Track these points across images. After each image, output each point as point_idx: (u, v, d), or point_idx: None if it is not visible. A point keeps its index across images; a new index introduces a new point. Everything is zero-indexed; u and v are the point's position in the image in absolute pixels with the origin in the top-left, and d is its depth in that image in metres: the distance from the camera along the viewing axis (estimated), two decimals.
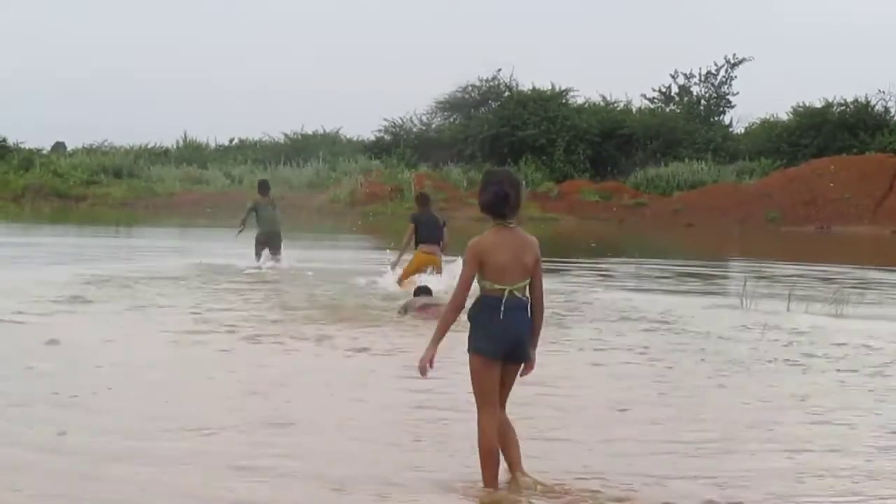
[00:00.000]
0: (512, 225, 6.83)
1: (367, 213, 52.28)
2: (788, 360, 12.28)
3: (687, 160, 60.67)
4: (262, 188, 24.28)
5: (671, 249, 37.01)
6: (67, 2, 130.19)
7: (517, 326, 6.71)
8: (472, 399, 6.78)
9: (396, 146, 66.53)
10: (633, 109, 68.93)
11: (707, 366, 11.78)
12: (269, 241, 23.35)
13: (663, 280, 23.47)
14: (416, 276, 18.79)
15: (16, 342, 11.89)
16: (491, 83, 66.90)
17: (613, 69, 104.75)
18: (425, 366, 6.73)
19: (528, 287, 6.80)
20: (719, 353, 12.62)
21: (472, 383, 6.80)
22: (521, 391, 7.34)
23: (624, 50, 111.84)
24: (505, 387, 6.85)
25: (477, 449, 6.78)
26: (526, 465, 6.92)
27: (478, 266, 6.74)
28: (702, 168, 59.84)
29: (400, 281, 19.16)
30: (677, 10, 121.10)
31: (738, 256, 34.10)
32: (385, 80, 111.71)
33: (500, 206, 6.79)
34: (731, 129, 68.62)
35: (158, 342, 12.27)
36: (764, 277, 23.47)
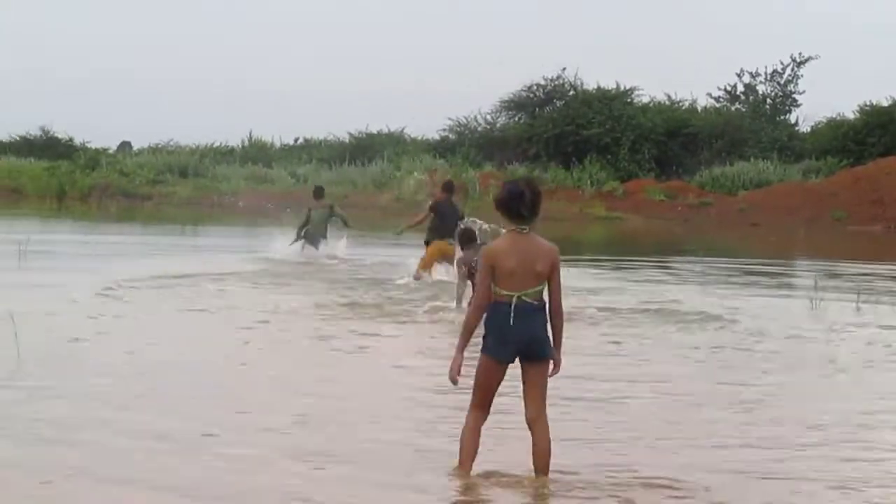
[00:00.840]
0: (526, 231, 6.96)
1: None
2: (873, 360, 12.44)
3: (752, 159, 60.33)
4: (316, 193, 26.00)
5: (737, 248, 37.01)
6: (133, 4, 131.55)
7: (529, 328, 6.91)
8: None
9: (461, 145, 66.60)
10: (699, 108, 68.62)
11: (803, 364, 11.99)
12: (310, 238, 25.04)
13: (732, 279, 23.53)
14: (435, 266, 19.11)
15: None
16: (556, 82, 66.79)
17: (679, 68, 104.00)
18: (455, 376, 6.97)
19: (543, 292, 6.99)
20: (802, 352, 12.83)
21: (474, 379, 7.08)
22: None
23: (689, 49, 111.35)
24: (535, 387, 7.06)
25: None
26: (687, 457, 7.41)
27: (491, 273, 6.93)
28: (767, 167, 59.50)
29: (418, 272, 19.40)
30: (743, 9, 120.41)
31: (805, 255, 34.05)
32: (450, 80, 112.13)
33: (515, 203, 6.92)
34: (796, 128, 68.14)
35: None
36: (833, 276, 23.53)
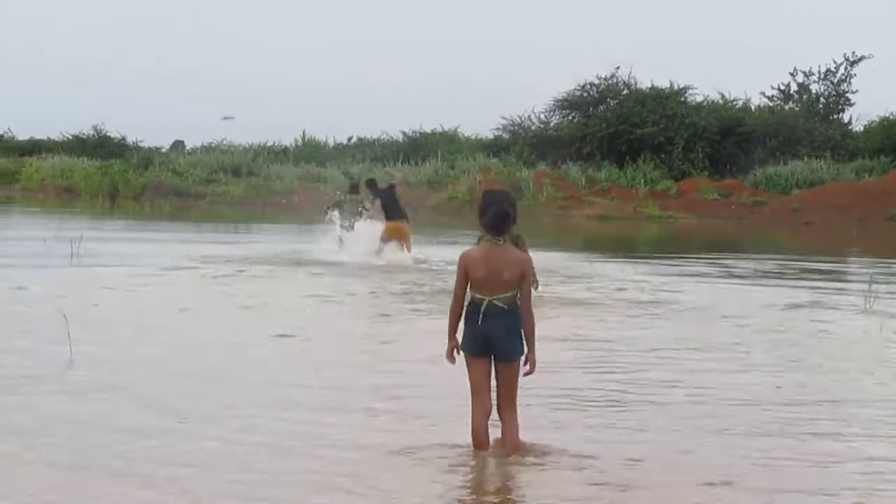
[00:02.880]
0: (500, 242, 7.71)
1: None
2: None
3: (806, 158, 60.35)
4: (352, 189, 27.82)
5: (792, 246, 37.16)
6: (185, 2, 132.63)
7: (494, 329, 7.65)
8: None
9: (514, 144, 66.82)
10: (752, 107, 68.60)
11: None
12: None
13: (791, 277, 23.76)
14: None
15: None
16: (609, 81, 66.91)
17: (732, 67, 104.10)
18: (451, 355, 7.84)
19: (516, 296, 7.70)
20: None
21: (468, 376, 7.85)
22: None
23: (743, 48, 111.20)
24: (503, 386, 7.82)
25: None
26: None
27: (465, 275, 7.75)
28: (821, 166, 59.43)
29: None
30: (796, 8, 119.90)
31: (859, 254, 34.17)
32: (504, 79, 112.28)
33: (500, 224, 7.68)
34: (850, 127, 67.99)
35: None
36: (889, 274, 23.76)
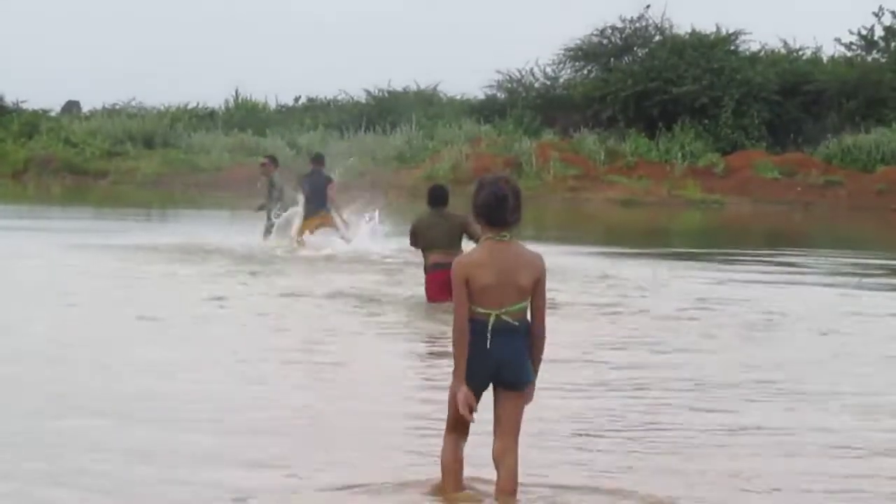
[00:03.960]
0: (507, 239, 7.65)
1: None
2: None
3: (895, 125, 60.15)
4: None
5: (878, 241, 36.89)
6: None
7: (504, 352, 7.59)
8: None
9: (513, 107, 66.66)
10: (824, 59, 68.42)
11: None
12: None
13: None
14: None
15: None
16: (637, 24, 66.76)
17: (798, 5, 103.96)
18: (467, 405, 7.65)
19: (527, 309, 7.68)
20: None
21: (448, 402, 7.84)
22: None
23: None
24: (508, 420, 7.77)
25: None
26: None
27: (465, 286, 7.59)
28: None
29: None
30: None
31: None
32: (498, 22, 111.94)
33: (498, 209, 7.60)
34: None
35: None
36: None
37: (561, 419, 10.33)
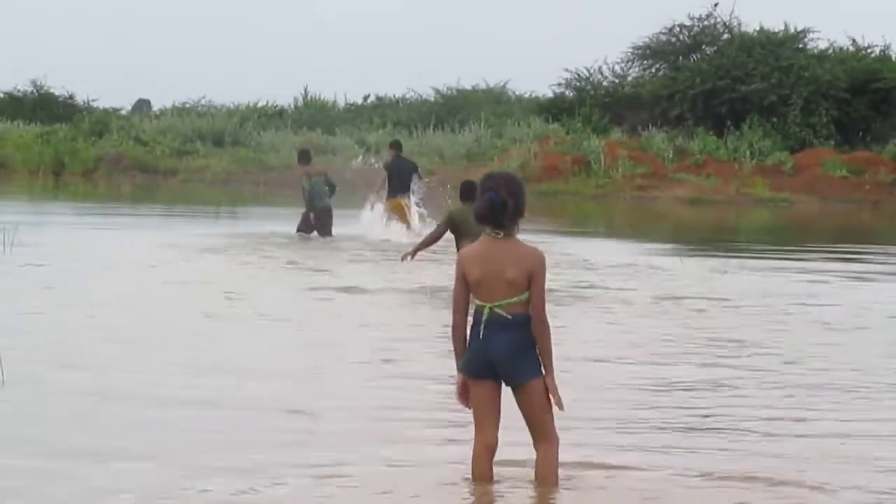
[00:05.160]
0: (501, 236, 7.86)
1: (542, 192, 51.85)
2: None
3: None
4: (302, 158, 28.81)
5: None
6: None
7: (496, 345, 7.81)
8: None
9: (581, 105, 66.44)
10: (893, 56, 67.99)
11: None
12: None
13: None
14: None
15: None
16: (705, 22, 66.52)
17: (867, 3, 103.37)
18: (463, 394, 8.04)
19: (525, 304, 7.85)
20: None
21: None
22: None
23: None
24: (526, 416, 7.99)
25: None
26: None
27: (463, 278, 7.93)
28: None
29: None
30: None
31: None
32: (567, 21, 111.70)
33: (496, 216, 7.81)
34: None
35: None
36: None
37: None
